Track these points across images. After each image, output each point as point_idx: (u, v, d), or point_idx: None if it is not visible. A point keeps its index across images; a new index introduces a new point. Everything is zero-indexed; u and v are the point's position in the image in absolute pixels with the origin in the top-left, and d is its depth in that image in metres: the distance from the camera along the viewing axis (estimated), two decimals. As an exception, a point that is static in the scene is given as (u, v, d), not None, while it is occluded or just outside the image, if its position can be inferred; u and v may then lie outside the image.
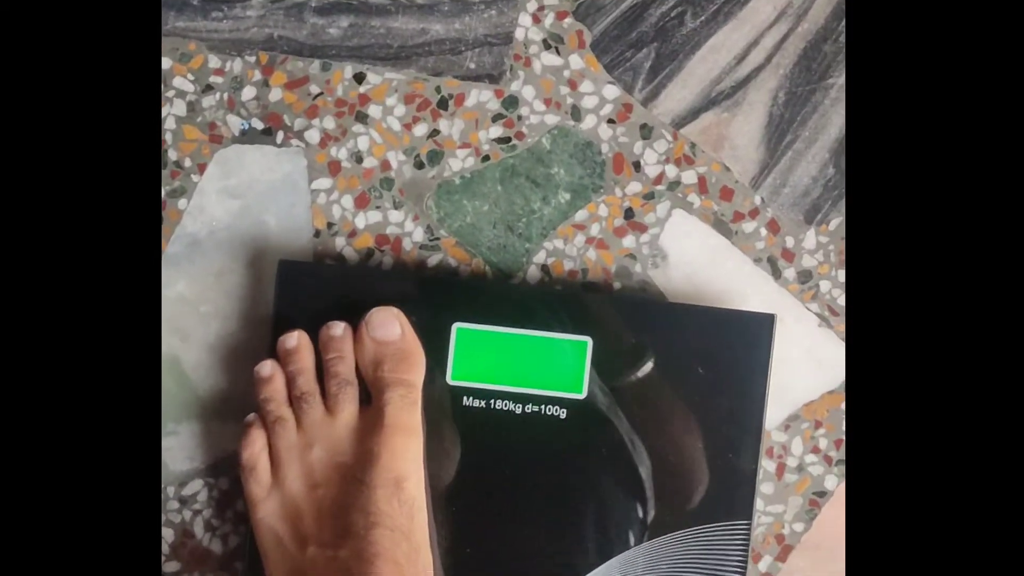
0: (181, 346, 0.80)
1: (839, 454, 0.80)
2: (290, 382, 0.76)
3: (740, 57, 0.80)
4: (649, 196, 0.80)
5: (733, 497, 0.77)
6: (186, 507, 0.80)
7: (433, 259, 0.80)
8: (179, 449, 0.80)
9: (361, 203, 0.80)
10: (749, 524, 0.77)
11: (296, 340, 0.76)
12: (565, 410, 0.77)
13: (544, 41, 0.80)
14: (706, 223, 0.80)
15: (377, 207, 0.80)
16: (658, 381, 0.76)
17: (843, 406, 0.80)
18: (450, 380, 0.77)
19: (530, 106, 0.80)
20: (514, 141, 0.80)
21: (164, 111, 0.79)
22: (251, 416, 0.76)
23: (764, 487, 0.80)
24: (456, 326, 0.77)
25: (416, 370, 0.76)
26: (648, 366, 0.77)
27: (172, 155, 0.80)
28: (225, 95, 0.80)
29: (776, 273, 0.80)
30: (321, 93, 0.80)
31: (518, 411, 0.77)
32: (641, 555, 0.77)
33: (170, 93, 0.80)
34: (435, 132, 0.80)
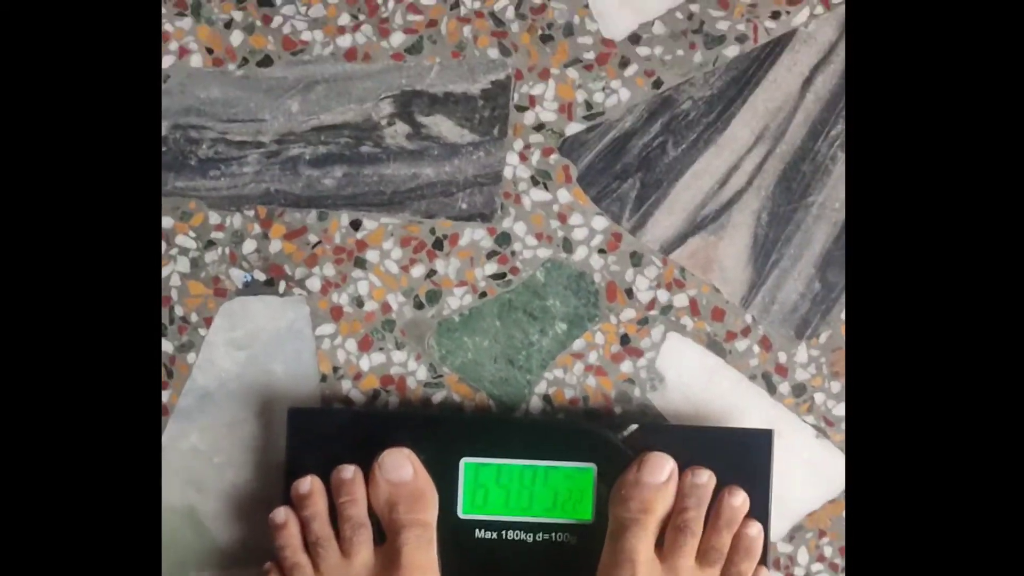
0: (197, 497, 0.82)
1: (844, 561, 0.82)
2: (305, 527, 0.77)
3: (722, 181, 0.83)
4: (643, 321, 0.83)
5: (744, 611, 0.79)
6: (211, 654, 0.82)
7: (438, 396, 0.82)
8: (201, 598, 0.82)
9: (364, 346, 0.82)
10: (762, 637, 0.78)
11: (309, 485, 0.78)
12: (576, 536, 0.79)
13: (532, 178, 0.83)
14: (700, 344, 0.83)
15: (380, 349, 0.82)
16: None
17: (844, 514, 0.82)
18: (461, 514, 0.79)
19: (522, 241, 0.83)
20: (509, 276, 0.83)
21: (168, 268, 0.82)
22: (268, 564, 0.78)
23: (774, 598, 0.82)
24: (464, 461, 0.79)
25: (430, 509, 0.78)
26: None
27: (178, 311, 0.82)
28: (227, 250, 0.83)
29: (771, 388, 0.82)
30: (319, 242, 0.83)
31: (530, 540, 0.79)
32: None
33: (173, 251, 0.82)
34: (432, 272, 0.83)
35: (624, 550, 0.76)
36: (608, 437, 0.79)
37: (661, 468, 0.77)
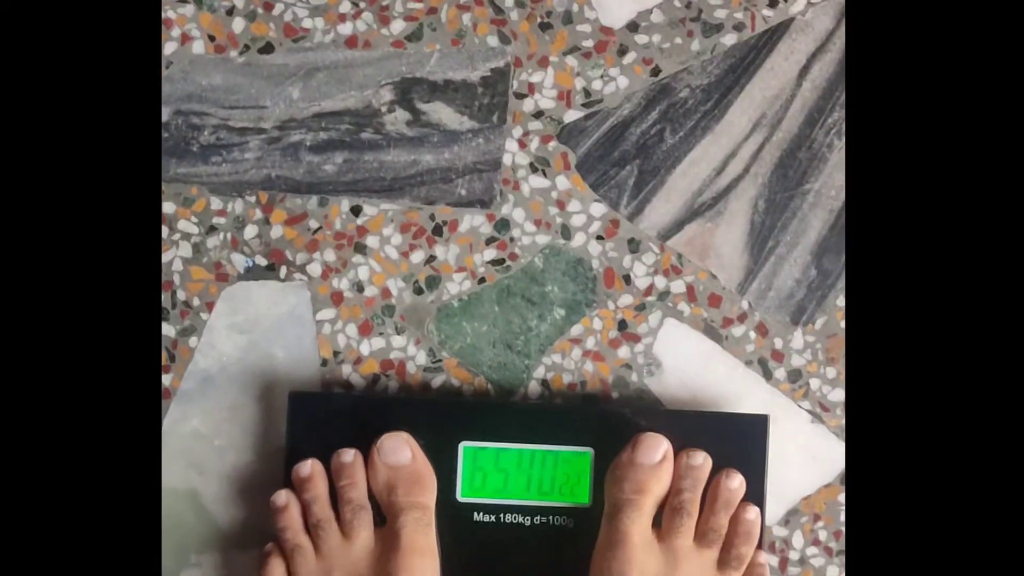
0: (199, 479, 0.82)
1: (839, 545, 0.82)
2: (306, 510, 0.78)
3: (719, 169, 0.84)
4: (641, 307, 0.83)
5: (739, 594, 0.80)
6: (212, 635, 0.83)
7: (437, 381, 0.83)
8: (202, 579, 0.83)
9: (365, 331, 0.83)
10: (756, 620, 0.79)
11: (309, 468, 0.79)
12: (573, 519, 0.80)
13: (531, 165, 0.84)
14: (697, 330, 0.83)
15: (380, 334, 0.83)
16: None
17: (839, 498, 0.82)
18: (460, 497, 0.80)
19: (521, 228, 0.83)
20: (508, 262, 0.83)
21: (171, 253, 0.83)
22: (269, 545, 0.78)
23: (769, 581, 0.83)
24: (463, 445, 0.80)
25: (428, 492, 0.78)
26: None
27: (181, 295, 0.83)
28: (228, 235, 0.83)
29: (767, 374, 0.83)
30: (320, 227, 0.83)
31: (528, 523, 0.80)
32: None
33: (175, 236, 0.83)
34: (432, 258, 0.83)
35: (619, 530, 0.77)
36: (614, 411, 0.80)
37: (655, 449, 0.78)
